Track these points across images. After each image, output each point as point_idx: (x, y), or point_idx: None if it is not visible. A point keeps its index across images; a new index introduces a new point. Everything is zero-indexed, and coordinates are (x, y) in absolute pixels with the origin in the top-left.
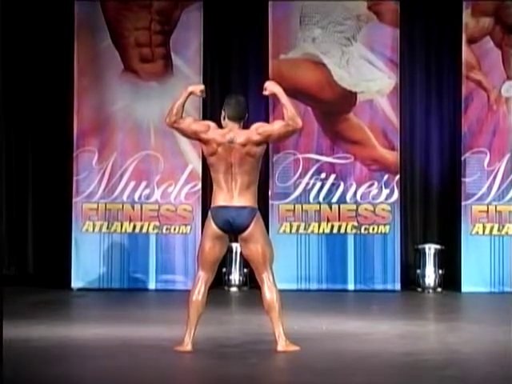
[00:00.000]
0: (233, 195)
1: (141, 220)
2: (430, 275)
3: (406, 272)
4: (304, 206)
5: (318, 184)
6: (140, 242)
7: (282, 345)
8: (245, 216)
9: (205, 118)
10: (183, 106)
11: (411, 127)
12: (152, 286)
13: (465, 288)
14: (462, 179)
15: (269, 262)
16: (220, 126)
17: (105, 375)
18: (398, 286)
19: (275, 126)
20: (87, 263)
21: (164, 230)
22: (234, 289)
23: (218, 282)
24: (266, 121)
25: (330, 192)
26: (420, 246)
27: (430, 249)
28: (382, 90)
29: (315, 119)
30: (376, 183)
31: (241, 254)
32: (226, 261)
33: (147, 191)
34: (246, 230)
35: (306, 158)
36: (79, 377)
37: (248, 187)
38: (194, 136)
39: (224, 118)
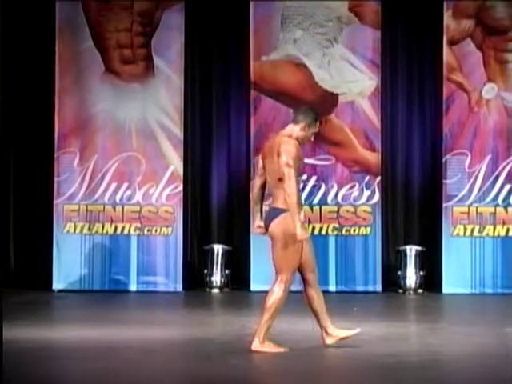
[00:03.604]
0: None
1: (122, 221)
2: (411, 276)
3: (387, 273)
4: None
5: (301, 185)
6: (121, 244)
7: (255, 344)
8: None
9: (185, 118)
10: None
11: (392, 129)
12: (133, 287)
13: (446, 289)
14: (443, 181)
15: (283, 267)
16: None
17: (89, 377)
18: (379, 288)
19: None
20: (68, 265)
21: (145, 232)
22: (215, 290)
23: (200, 284)
24: (247, 122)
25: (312, 193)
26: (401, 248)
27: (411, 250)
28: (363, 91)
29: None
30: (357, 185)
31: (222, 255)
32: (207, 262)
33: (129, 192)
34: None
35: None
36: (64, 378)
37: None
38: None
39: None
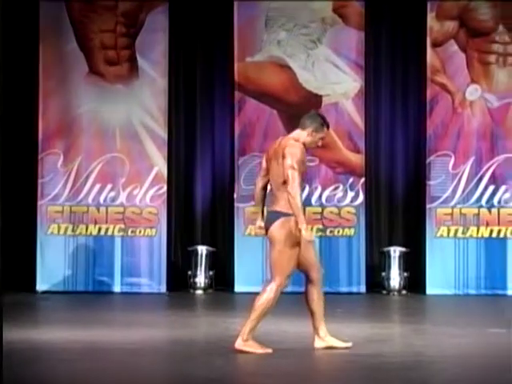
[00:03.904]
0: None
1: (106, 222)
2: (395, 278)
3: (371, 274)
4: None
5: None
6: (105, 245)
7: (238, 343)
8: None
9: (170, 119)
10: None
11: (376, 130)
12: (117, 288)
13: (429, 290)
14: (427, 182)
15: (277, 271)
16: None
17: (75, 378)
18: (363, 289)
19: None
20: (52, 266)
21: (129, 233)
22: (199, 291)
23: (184, 285)
24: (232, 123)
25: None
26: (385, 249)
27: (395, 251)
28: (347, 92)
29: (280, 122)
30: (341, 186)
31: (206, 256)
32: (191, 263)
33: (113, 194)
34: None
35: None
36: (51, 379)
37: None
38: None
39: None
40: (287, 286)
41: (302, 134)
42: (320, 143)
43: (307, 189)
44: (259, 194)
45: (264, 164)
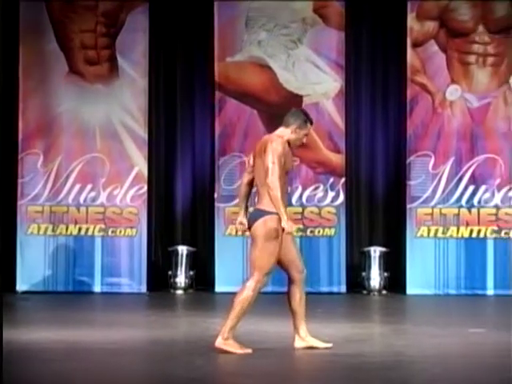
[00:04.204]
0: None
1: (86, 222)
2: (376, 278)
3: (352, 274)
4: (250, 209)
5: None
6: (85, 245)
7: (218, 341)
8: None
9: (150, 119)
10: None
11: (357, 130)
12: (97, 288)
13: (409, 290)
14: (407, 182)
15: (256, 267)
16: None
17: (56, 378)
18: (343, 289)
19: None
20: (32, 266)
21: (110, 233)
22: (179, 291)
23: (164, 285)
24: (212, 123)
25: None
26: (365, 249)
27: (376, 251)
28: (327, 92)
29: (261, 122)
30: (322, 186)
31: (186, 256)
32: (171, 263)
33: (93, 194)
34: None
35: None
36: (32, 380)
37: None
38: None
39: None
40: (266, 283)
41: (285, 132)
42: (305, 140)
43: (288, 189)
44: (243, 189)
45: (251, 161)
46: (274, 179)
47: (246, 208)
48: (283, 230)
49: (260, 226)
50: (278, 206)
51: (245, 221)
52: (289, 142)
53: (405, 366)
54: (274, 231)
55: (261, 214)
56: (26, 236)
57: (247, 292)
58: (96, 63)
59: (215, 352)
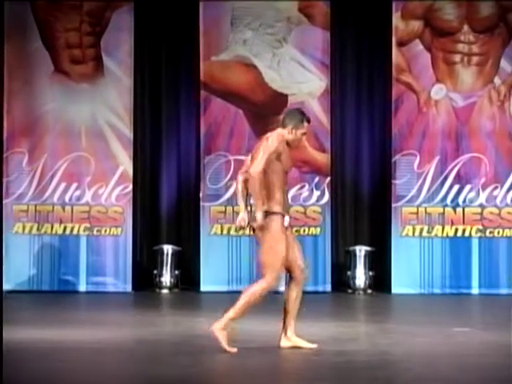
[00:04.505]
0: None
1: (71, 222)
2: (361, 277)
3: (337, 273)
4: (235, 208)
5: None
6: (71, 244)
7: (215, 326)
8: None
9: (135, 118)
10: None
11: (342, 129)
12: (82, 288)
13: (395, 289)
14: (392, 181)
15: (266, 268)
16: None
17: (40, 378)
18: (328, 288)
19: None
20: (17, 265)
21: (95, 232)
22: (164, 291)
23: (149, 284)
24: (197, 122)
25: None
26: (351, 248)
27: (361, 251)
28: (312, 92)
29: (246, 121)
30: (307, 185)
31: (171, 256)
32: (156, 263)
33: (78, 193)
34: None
35: (237, 160)
36: (16, 380)
37: None
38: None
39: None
40: (277, 286)
41: (283, 133)
42: (304, 139)
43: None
44: (240, 187)
45: (248, 161)
46: (255, 169)
47: (246, 205)
48: (286, 228)
49: (263, 227)
50: (255, 196)
51: (246, 216)
52: (288, 143)
53: (390, 365)
54: (277, 231)
55: (263, 215)
56: (11, 235)
57: (256, 288)
58: (81, 62)
59: (201, 351)
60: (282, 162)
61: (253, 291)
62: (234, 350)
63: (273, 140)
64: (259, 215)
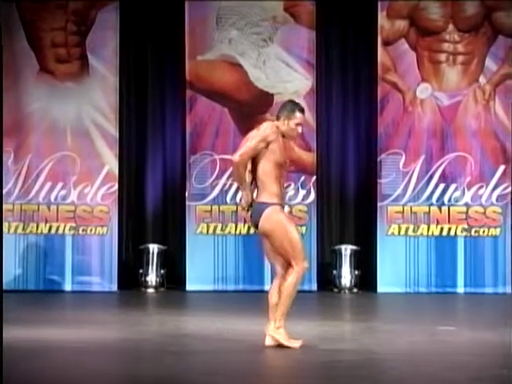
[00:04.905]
0: None
1: (57, 221)
2: (346, 276)
3: (323, 272)
4: (221, 207)
5: (235, 185)
6: (56, 243)
7: (270, 329)
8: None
9: (121, 117)
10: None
11: (327, 128)
12: (68, 287)
13: (380, 288)
14: (378, 180)
15: (291, 258)
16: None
17: (24, 377)
18: (314, 287)
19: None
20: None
21: (80, 231)
22: (150, 290)
23: (135, 283)
24: (183, 121)
25: None
26: (336, 247)
27: (347, 249)
28: (298, 91)
29: (232, 120)
30: (293, 184)
31: (157, 255)
32: (142, 262)
33: (63, 192)
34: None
35: (223, 159)
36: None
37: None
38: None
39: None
40: (308, 268)
41: (278, 124)
42: (300, 129)
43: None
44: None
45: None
46: (235, 154)
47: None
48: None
49: (265, 220)
50: (238, 184)
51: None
52: (283, 135)
53: (375, 364)
54: (281, 218)
55: (262, 207)
56: None
57: (291, 280)
58: (66, 61)
59: (186, 350)
60: (274, 153)
61: (290, 283)
62: (299, 342)
63: (265, 128)
64: (243, 200)
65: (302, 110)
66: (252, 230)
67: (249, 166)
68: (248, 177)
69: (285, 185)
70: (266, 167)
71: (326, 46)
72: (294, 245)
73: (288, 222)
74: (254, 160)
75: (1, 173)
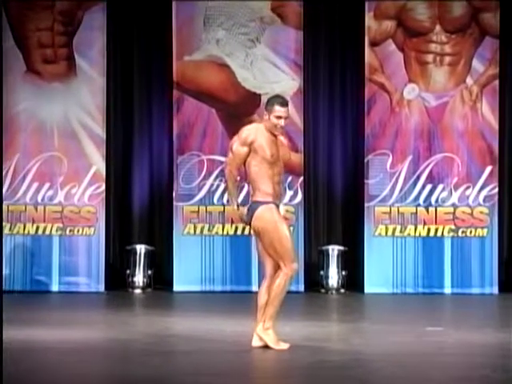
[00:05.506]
0: None
1: (44, 221)
2: (334, 276)
3: (310, 273)
4: (208, 208)
5: (223, 185)
6: (43, 244)
7: (259, 328)
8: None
9: (108, 117)
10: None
11: (315, 129)
12: (55, 288)
13: (367, 289)
14: (365, 181)
15: (279, 259)
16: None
17: (10, 378)
18: (301, 288)
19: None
20: None
21: (67, 232)
22: (137, 290)
23: (122, 284)
24: (170, 122)
25: None
26: (323, 248)
27: (334, 250)
28: (285, 91)
29: (219, 121)
30: None
31: (144, 255)
32: (129, 262)
33: (50, 192)
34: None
35: (211, 160)
36: None
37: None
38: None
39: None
40: (297, 270)
41: (262, 121)
42: (282, 122)
43: (246, 187)
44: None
45: None
46: (227, 171)
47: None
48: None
49: (258, 218)
50: (228, 189)
51: (245, 214)
52: (271, 132)
53: (363, 365)
54: (272, 218)
55: (256, 205)
56: None
57: (279, 281)
58: (53, 62)
59: (172, 351)
60: (260, 151)
61: (278, 284)
62: (286, 346)
63: (241, 131)
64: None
65: (282, 103)
66: (239, 231)
67: (242, 168)
68: (236, 188)
69: (282, 182)
70: (255, 167)
71: (313, 46)
72: (284, 245)
73: (280, 222)
74: (245, 162)
75: (1, 173)
